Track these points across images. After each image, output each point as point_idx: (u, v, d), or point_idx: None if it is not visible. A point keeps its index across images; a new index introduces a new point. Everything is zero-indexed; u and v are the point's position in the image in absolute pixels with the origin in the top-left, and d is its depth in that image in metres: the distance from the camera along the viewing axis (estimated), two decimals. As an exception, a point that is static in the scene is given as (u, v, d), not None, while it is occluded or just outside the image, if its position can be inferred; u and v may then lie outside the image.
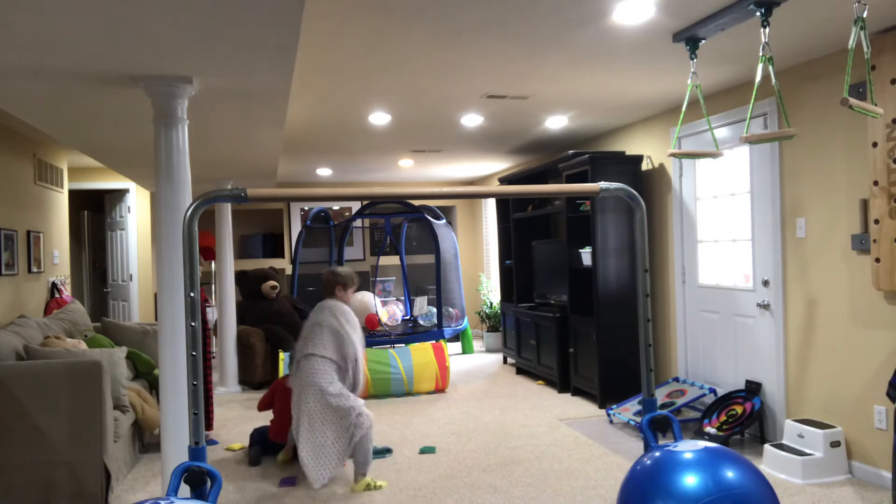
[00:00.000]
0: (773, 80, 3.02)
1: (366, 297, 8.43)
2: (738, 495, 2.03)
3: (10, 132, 5.23)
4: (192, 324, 2.18)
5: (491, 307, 9.04)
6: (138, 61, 2.79)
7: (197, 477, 2.11)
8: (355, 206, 10.03)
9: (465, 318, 8.49)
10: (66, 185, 6.62)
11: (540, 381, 6.69)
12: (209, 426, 4.97)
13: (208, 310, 4.99)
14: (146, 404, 4.47)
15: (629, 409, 4.99)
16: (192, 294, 2.18)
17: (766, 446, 4.02)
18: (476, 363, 7.96)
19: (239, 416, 5.60)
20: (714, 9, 3.12)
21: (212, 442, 4.85)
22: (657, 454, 2.23)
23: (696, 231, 5.09)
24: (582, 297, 5.99)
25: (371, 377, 6.03)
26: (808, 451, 3.85)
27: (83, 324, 5.33)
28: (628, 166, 5.63)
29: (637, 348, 5.52)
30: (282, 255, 9.74)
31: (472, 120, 5.49)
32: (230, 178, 6.60)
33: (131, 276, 7.96)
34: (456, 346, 8.98)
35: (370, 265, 10.09)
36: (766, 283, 4.42)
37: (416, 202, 8.97)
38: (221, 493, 3.83)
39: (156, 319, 5.96)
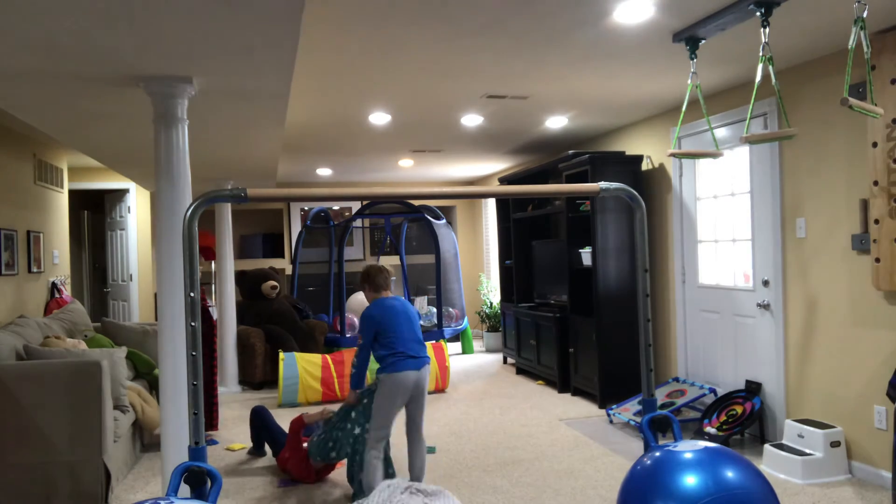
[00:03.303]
0: (773, 80, 3.02)
1: (366, 297, 8.42)
2: (738, 495, 2.03)
3: (10, 132, 5.23)
4: (193, 324, 2.18)
5: (491, 307, 9.04)
6: (138, 61, 2.79)
7: (197, 477, 2.11)
8: (355, 206, 10.03)
9: (465, 318, 8.49)
10: (66, 185, 6.62)
11: (540, 381, 6.69)
12: (213, 426, 4.96)
13: (210, 310, 4.99)
14: (146, 404, 4.47)
15: (629, 409, 4.99)
16: (192, 294, 2.18)
17: (766, 446, 4.02)
18: (476, 363, 7.96)
19: (239, 416, 5.60)
20: (714, 9, 3.12)
21: (212, 442, 4.85)
22: (657, 454, 2.23)
23: (696, 231, 5.09)
24: (582, 297, 5.99)
25: (371, 377, 6.02)
26: (808, 451, 3.85)
27: (83, 324, 5.33)
28: (628, 166, 5.63)
29: (637, 348, 5.52)
30: (282, 255, 9.74)
31: (472, 120, 5.49)
32: (230, 178, 6.59)
33: (131, 276, 7.96)
34: (456, 346, 8.98)
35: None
36: (766, 283, 4.42)
37: (416, 202, 8.97)
38: (221, 493, 3.83)
39: (156, 319, 5.95)
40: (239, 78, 3.10)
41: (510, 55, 3.74)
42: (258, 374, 6.68)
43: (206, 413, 4.88)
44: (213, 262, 8.74)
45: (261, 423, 4.41)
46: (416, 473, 3.57)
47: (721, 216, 4.87)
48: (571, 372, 6.05)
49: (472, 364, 7.90)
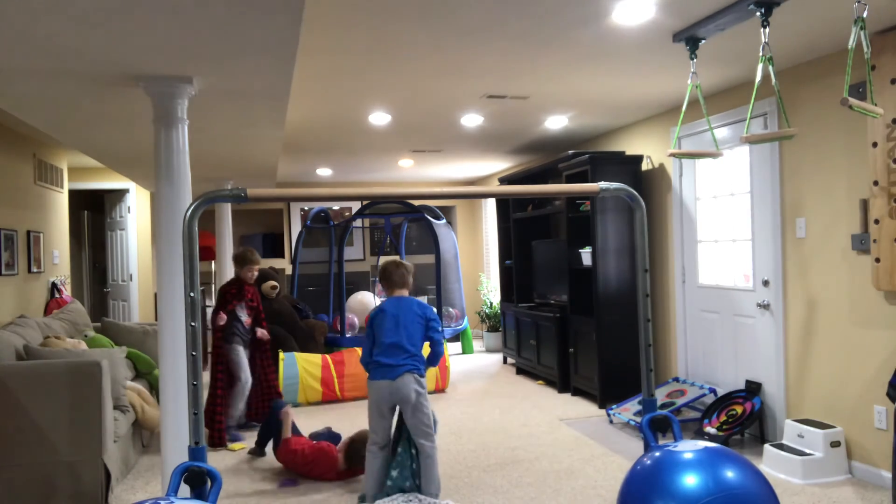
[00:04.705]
0: (773, 80, 3.02)
1: (366, 297, 8.44)
2: (738, 495, 2.03)
3: (10, 132, 5.23)
4: (193, 324, 2.18)
5: (491, 307, 9.04)
6: (138, 61, 2.79)
7: (197, 477, 2.11)
8: (355, 206, 10.03)
9: (465, 318, 8.48)
10: (66, 185, 6.62)
11: (540, 381, 6.69)
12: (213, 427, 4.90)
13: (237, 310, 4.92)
14: (146, 404, 4.47)
15: (629, 409, 4.99)
16: (192, 294, 2.18)
17: (766, 446, 4.02)
18: (476, 363, 7.96)
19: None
20: (714, 9, 3.12)
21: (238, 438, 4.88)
22: (657, 454, 2.23)
23: (696, 231, 5.09)
24: (582, 297, 5.99)
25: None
26: (808, 451, 3.85)
27: (83, 324, 5.32)
28: (628, 166, 5.63)
29: (637, 348, 5.50)
30: (282, 255, 9.74)
31: (472, 120, 5.49)
32: (230, 178, 6.60)
33: (131, 276, 7.96)
34: (456, 346, 8.98)
35: (370, 265, 10.09)
36: (766, 283, 4.41)
37: (416, 202, 8.96)
38: (221, 493, 3.82)
39: (156, 319, 5.95)
40: (239, 78, 3.10)
41: (510, 55, 3.74)
42: (258, 374, 6.67)
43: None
44: (212, 261, 8.74)
45: (265, 421, 4.47)
46: (420, 487, 3.42)
47: (721, 216, 4.87)
48: (571, 372, 6.05)
49: (472, 364, 7.89)
